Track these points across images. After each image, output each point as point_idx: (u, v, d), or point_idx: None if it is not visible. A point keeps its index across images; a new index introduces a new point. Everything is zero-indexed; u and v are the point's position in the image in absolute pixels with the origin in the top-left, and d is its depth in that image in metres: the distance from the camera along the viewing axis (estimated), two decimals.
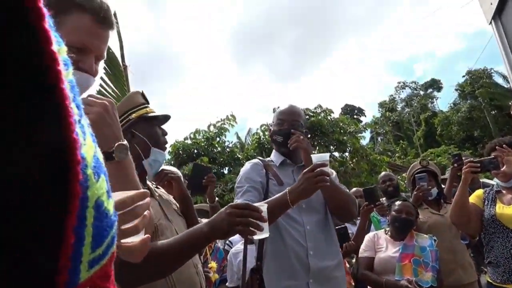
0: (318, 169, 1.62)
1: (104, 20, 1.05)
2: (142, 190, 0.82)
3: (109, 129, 1.02)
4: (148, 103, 1.65)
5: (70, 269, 0.31)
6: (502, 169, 2.39)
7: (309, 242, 1.86)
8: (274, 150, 2.15)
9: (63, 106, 0.29)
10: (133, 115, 1.56)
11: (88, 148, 0.33)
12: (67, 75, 0.31)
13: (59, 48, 0.31)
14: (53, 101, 0.29)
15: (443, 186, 3.46)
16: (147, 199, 0.79)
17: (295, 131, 1.98)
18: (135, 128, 1.56)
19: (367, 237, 2.94)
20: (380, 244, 2.85)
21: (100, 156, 0.37)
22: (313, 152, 1.99)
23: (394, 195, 4.03)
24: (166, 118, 1.68)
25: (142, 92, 1.67)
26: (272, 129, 2.13)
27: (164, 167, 1.89)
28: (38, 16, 0.28)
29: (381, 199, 3.53)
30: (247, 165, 2.05)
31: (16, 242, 0.28)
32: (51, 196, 0.29)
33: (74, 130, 0.30)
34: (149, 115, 1.59)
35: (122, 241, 0.75)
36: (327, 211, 2.00)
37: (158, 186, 1.77)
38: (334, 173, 2.09)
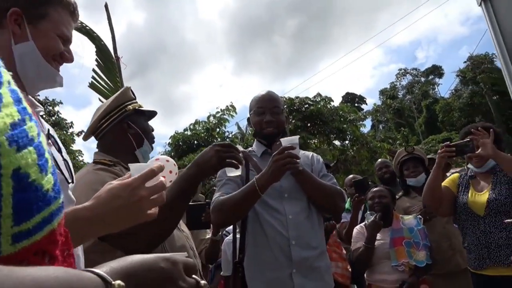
0: (286, 151, 1.62)
1: (76, 13, 1.16)
2: (159, 164, 0.94)
3: None
4: (135, 98, 1.74)
5: None
6: (477, 152, 2.32)
7: (291, 232, 1.80)
8: (256, 140, 2.10)
9: None
10: (129, 107, 1.66)
11: (4, 115, 0.33)
12: None
13: None
14: None
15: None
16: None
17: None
18: (130, 120, 1.65)
19: (355, 230, 2.97)
20: None
21: (33, 130, 0.37)
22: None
23: (391, 182, 3.97)
24: (153, 114, 1.77)
25: (131, 88, 1.76)
26: (251, 116, 2.04)
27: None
28: None
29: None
30: None
31: None
32: None
33: None
34: (142, 109, 1.70)
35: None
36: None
37: None
38: (321, 161, 2.04)
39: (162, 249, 1.47)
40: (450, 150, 2.38)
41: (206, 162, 1.36)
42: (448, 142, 2.48)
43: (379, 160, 4.56)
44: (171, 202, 1.24)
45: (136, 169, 0.92)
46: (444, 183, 2.57)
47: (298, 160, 1.65)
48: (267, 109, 1.97)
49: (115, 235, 0.99)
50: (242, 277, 1.80)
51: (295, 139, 1.72)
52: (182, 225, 1.65)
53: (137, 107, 1.67)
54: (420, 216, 2.83)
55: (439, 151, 2.46)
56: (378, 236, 2.79)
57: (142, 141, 1.65)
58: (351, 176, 4.46)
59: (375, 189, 2.99)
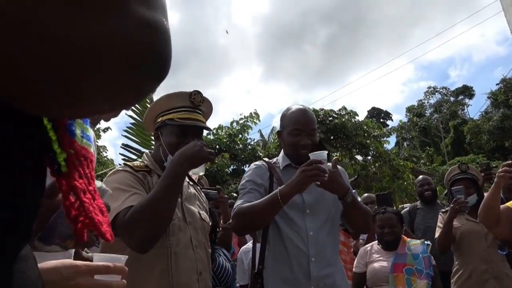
0: (315, 165, 1.66)
1: None
2: (123, 266, 0.90)
3: None
4: (193, 106, 1.66)
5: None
6: None
7: (311, 249, 1.80)
8: (282, 152, 2.07)
9: None
10: (160, 119, 1.66)
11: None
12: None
13: None
14: None
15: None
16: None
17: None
18: (161, 131, 1.66)
19: (360, 251, 2.94)
20: (372, 256, 2.83)
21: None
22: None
23: (432, 200, 3.89)
24: (191, 127, 1.62)
25: (192, 93, 1.66)
26: (285, 135, 1.97)
27: None
28: None
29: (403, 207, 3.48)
30: (252, 166, 2.02)
31: None
32: None
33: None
34: (173, 123, 1.61)
35: None
36: (333, 217, 1.93)
37: (193, 181, 1.85)
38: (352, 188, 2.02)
39: (168, 269, 1.48)
40: (510, 171, 2.23)
41: (195, 156, 1.44)
42: (510, 162, 2.33)
43: (421, 176, 4.46)
44: (166, 197, 1.40)
45: (99, 258, 0.89)
46: (508, 204, 2.40)
47: (326, 175, 1.67)
48: (304, 132, 1.90)
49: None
50: None
51: (323, 154, 1.74)
52: (200, 247, 1.61)
53: (165, 120, 1.63)
54: (428, 243, 2.76)
55: (499, 170, 2.32)
56: (383, 259, 2.76)
57: (166, 156, 1.62)
58: (366, 194, 4.42)
59: (383, 215, 2.89)
